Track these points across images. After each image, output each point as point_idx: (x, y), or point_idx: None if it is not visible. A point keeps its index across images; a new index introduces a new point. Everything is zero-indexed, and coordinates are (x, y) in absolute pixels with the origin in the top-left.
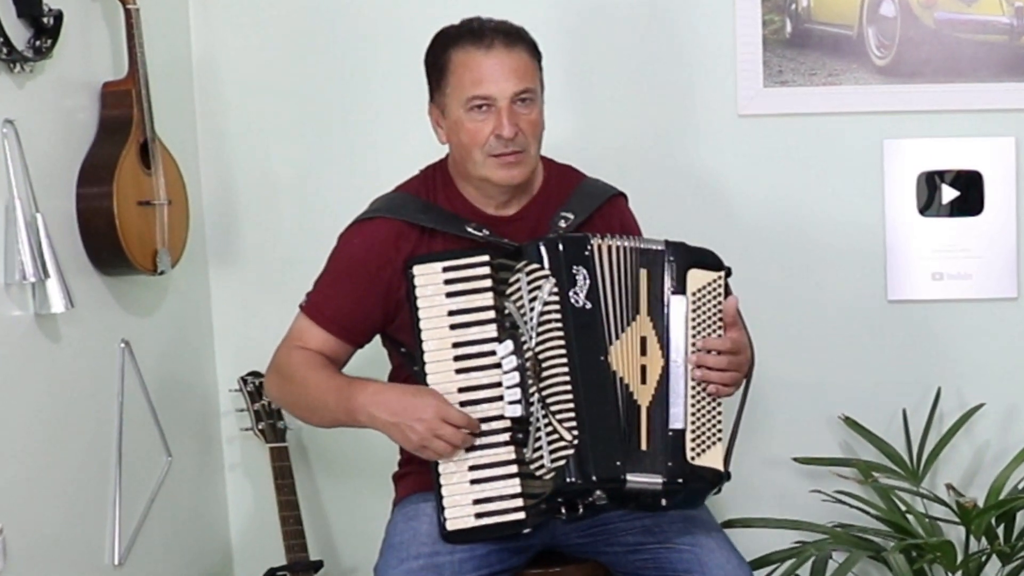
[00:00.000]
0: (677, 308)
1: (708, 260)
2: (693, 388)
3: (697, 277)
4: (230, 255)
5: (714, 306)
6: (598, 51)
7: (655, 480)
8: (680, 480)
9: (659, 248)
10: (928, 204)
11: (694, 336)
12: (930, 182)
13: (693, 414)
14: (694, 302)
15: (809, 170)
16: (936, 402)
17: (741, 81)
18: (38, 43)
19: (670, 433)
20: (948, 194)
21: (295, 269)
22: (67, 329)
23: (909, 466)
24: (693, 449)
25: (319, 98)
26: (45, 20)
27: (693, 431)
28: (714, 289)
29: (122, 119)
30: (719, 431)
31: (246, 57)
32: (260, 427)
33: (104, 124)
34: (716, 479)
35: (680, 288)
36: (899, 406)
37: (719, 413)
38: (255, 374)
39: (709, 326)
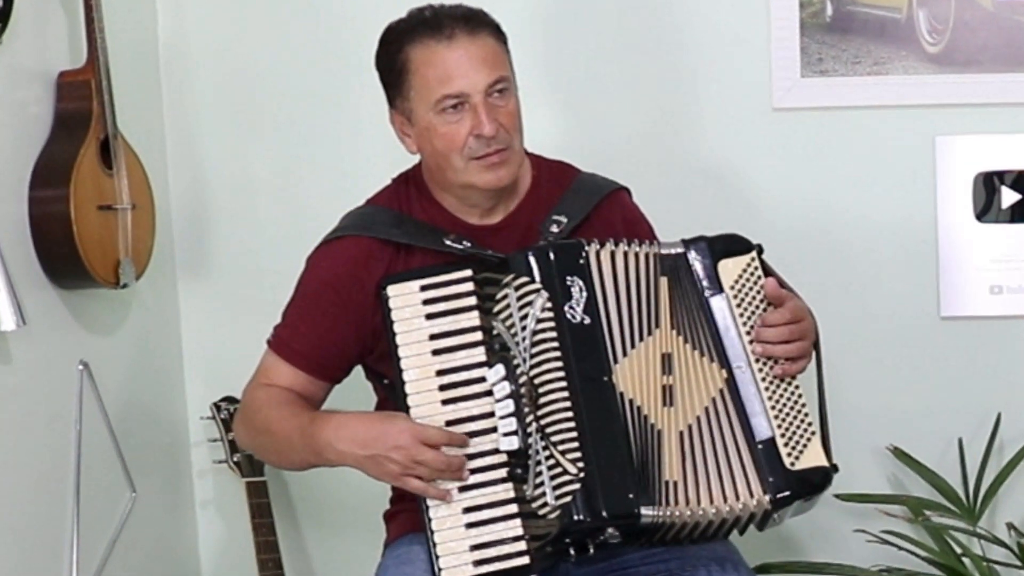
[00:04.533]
0: (720, 310)
1: (734, 245)
2: (767, 389)
3: (729, 268)
4: (202, 266)
5: (757, 292)
6: (614, 37)
7: (686, 511)
8: (788, 493)
9: (678, 251)
10: (986, 208)
11: (748, 333)
12: (988, 184)
13: (776, 416)
14: (735, 296)
15: (852, 170)
16: (995, 430)
17: (776, 71)
18: None
19: (760, 446)
20: (1008, 197)
21: (274, 282)
22: (19, 349)
23: (965, 503)
24: (790, 454)
25: (301, 90)
26: None
27: (783, 435)
28: (751, 274)
29: (80, 113)
30: (810, 424)
31: (219, 44)
32: (235, 459)
33: (60, 119)
34: (825, 478)
35: (716, 287)
36: (954, 435)
37: (803, 405)
38: (229, 400)
39: (760, 316)
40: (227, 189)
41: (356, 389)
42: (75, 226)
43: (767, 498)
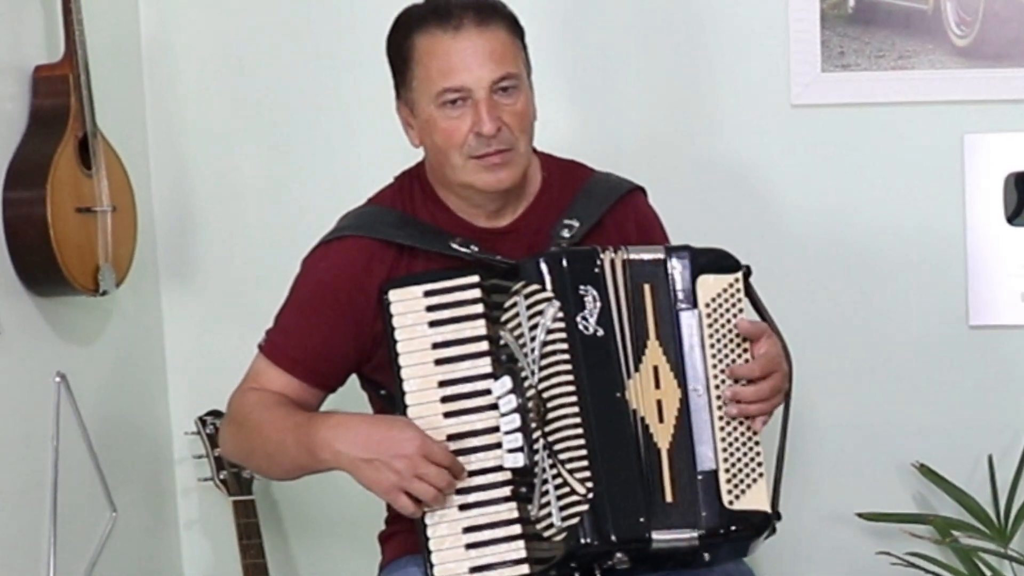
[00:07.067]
0: (689, 326)
1: (720, 262)
2: (720, 419)
3: (708, 285)
4: (186, 272)
5: (732, 316)
6: (628, 31)
7: (686, 535)
8: (720, 531)
9: (659, 257)
10: (1018, 211)
11: (714, 356)
12: (1020, 184)
13: (724, 449)
14: (708, 315)
15: (875, 171)
16: None
17: (795, 65)
18: None
19: (699, 477)
20: None
21: (263, 289)
22: None
23: (995, 523)
24: (731, 492)
25: (291, 88)
26: None
27: (727, 470)
28: (731, 296)
29: (57, 110)
30: (759, 465)
31: (205, 38)
32: (222, 477)
33: (36, 116)
34: (763, 523)
35: (690, 301)
36: (984, 451)
37: (756, 444)
38: (215, 414)
39: (730, 342)
40: (213, 191)
41: (351, 400)
42: (52, 230)
43: (694, 533)
